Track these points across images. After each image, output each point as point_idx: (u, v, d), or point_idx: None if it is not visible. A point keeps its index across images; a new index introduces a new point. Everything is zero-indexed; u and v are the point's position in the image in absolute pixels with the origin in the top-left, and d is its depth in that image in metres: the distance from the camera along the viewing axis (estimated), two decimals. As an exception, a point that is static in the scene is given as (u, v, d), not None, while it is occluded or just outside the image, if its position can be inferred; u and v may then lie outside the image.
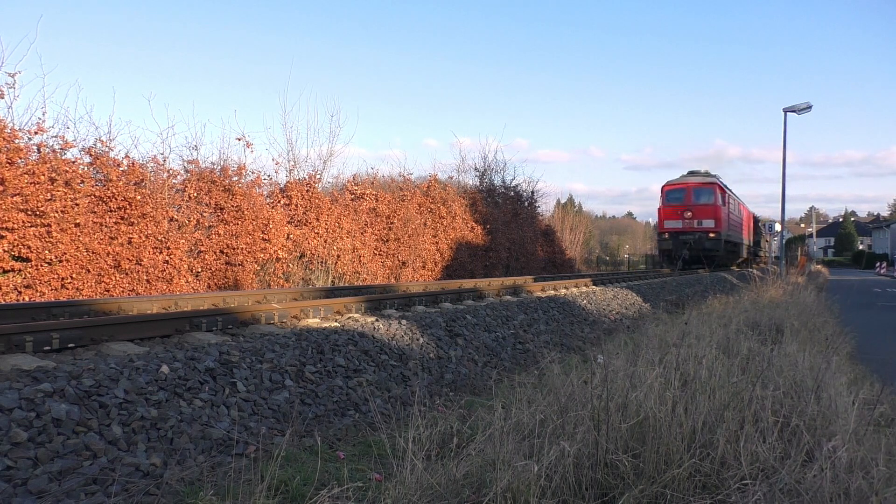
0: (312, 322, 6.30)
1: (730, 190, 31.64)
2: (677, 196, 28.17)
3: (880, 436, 3.24)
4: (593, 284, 13.66)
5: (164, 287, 11.70)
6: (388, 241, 18.08)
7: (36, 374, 3.57)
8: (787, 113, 21.13)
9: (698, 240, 26.84)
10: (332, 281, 15.55)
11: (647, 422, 2.88)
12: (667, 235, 27.60)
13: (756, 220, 46.06)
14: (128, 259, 11.17)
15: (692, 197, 27.65)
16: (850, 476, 2.51)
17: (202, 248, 12.79)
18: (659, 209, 28.54)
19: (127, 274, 11.17)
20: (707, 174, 29.71)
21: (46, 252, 9.94)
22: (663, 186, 28.88)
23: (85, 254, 10.50)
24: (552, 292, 11.25)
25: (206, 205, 13.24)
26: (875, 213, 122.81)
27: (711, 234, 26.79)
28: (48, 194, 10.09)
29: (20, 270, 9.83)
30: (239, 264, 13.31)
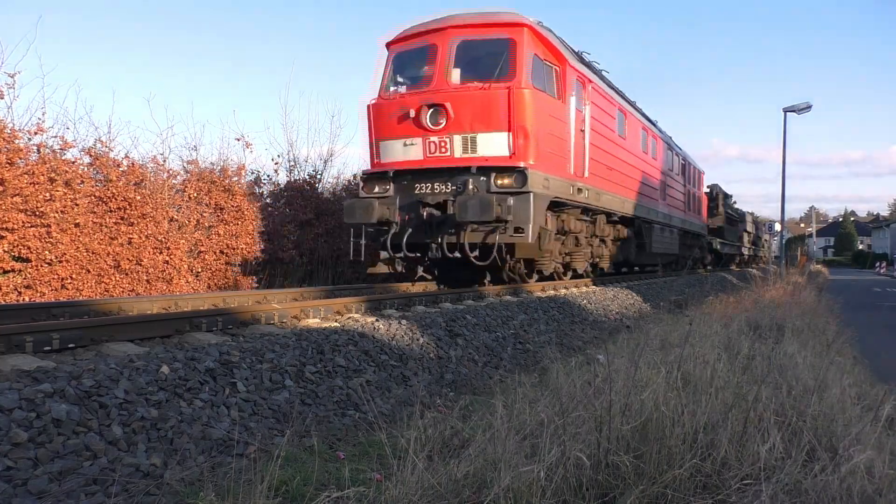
0: (312, 322, 6.29)
1: (602, 79, 13.08)
2: (413, 68, 10.59)
3: (882, 436, 3.23)
4: (593, 284, 13.65)
5: (164, 287, 11.69)
6: (387, 241, 17.99)
7: (36, 374, 3.56)
8: (787, 113, 21.13)
9: (463, 198, 9.19)
10: (333, 280, 15.53)
11: (649, 422, 2.88)
12: (376, 187, 10.22)
13: (719, 193, 27.99)
14: (128, 259, 11.16)
15: (450, 66, 9.85)
16: (854, 477, 2.50)
17: (202, 249, 12.78)
18: (369, 108, 10.56)
19: (127, 274, 11.16)
20: (513, 14, 10.12)
21: (46, 252, 9.93)
22: (388, 43, 10.95)
23: (85, 254, 10.49)
24: (552, 292, 11.24)
25: (206, 205, 13.23)
26: (875, 213, 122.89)
27: (502, 181, 9.41)
28: (48, 194, 10.08)
29: (20, 271, 9.82)
30: (239, 264, 13.30)
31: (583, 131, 11.53)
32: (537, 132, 9.70)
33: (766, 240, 48.04)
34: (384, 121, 10.33)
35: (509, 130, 9.49)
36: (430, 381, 5.73)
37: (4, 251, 9.56)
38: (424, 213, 9.72)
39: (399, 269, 11.15)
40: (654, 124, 17.77)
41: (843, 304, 13.73)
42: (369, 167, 10.75)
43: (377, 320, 6.42)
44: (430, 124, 9.70)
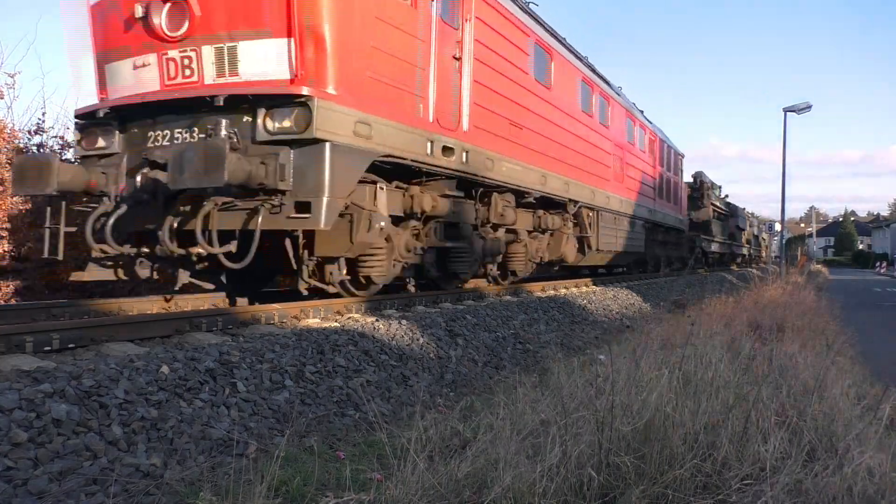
0: (312, 322, 6.29)
1: None
2: None
3: (883, 437, 3.23)
4: (593, 284, 13.65)
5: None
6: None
7: (36, 374, 3.56)
8: (787, 113, 21.14)
9: (178, 149, 5.64)
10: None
11: (650, 423, 2.88)
12: (100, 139, 6.48)
13: (704, 182, 24.82)
14: (128, 259, 11.14)
15: None
16: (856, 477, 2.50)
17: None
18: (91, 11, 6.63)
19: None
20: None
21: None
22: None
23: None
24: (552, 292, 11.24)
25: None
26: (875, 213, 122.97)
27: (279, 123, 5.64)
28: (48, 194, 10.07)
29: (21, 271, 9.82)
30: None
31: (457, 59, 7.69)
32: (346, 41, 5.95)
33: (763, 238, 47.44)
34: (109, 29, 6.51)
35: (289, 35, 5.69)
36: (430, 381, 5.73)
37: (5, 251, 9.56)
38: (140, 179, 6.03)
39: (121, 274, 7.07)
40: (607, 82, 13.69)
41: (843, 304, 13.75)
42: (99, 96, 6.78)
43: (377, 320, 6.42)
44: (166, 29, 5.96)
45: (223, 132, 5.69)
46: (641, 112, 16.49)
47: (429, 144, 7.22)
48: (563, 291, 11.54)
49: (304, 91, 5.58)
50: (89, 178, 6.16)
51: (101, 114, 6.37)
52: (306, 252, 6.59)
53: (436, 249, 8.32)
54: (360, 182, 6.40)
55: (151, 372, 3.92)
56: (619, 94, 14.67)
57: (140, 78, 6.28)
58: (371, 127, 6.26)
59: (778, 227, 31.95)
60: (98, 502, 2.97)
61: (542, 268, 12.15)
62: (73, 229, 6.44)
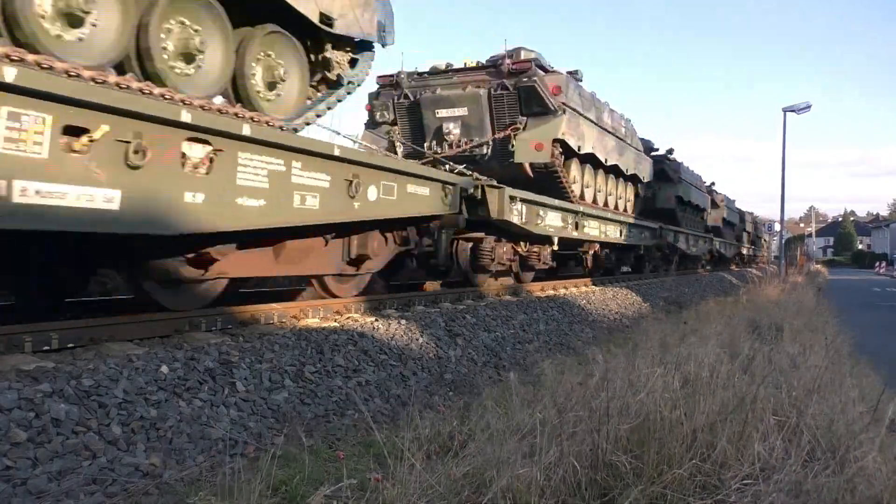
0: (312, 322, 6.29)
1: None
2: None
3: (885, 438, 3.22)
4: (593, 284, 13.64)
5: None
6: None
7: (35, 374, 3.55)
8: (787, 112, 21.14)
9: None
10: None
11: (647, 423, 2.88)
12: None
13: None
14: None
15: None
16: (857, 479, 2.50)
17: (202, 248, 12.75)
18: None
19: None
20: None
21: (46, 252, 9.91)
22: None
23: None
24: (552, 292, 11.24)
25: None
26: (874, 213, 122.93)
27: None
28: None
29: (19, 270, 9.81)
30: (238, 264, 13.22)
31: None
32: None
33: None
34: None
35: None
36: (429, 380, 5.73)
37: (4, 250, 9.55)
38: None
39: None
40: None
41: (843, 305, 13.75)
42: None
43: (377, 320, 6.42)
44: None
45: None
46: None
47: None
48: (562, 291, 11.53)
49: None
50: None
51: None
52: None
53: None
54: None
55: (151, 372, 3.92)
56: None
57: None
58: None
59: (777, 227, 32.00)
60: (97, 502, 2.98)
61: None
62: None
